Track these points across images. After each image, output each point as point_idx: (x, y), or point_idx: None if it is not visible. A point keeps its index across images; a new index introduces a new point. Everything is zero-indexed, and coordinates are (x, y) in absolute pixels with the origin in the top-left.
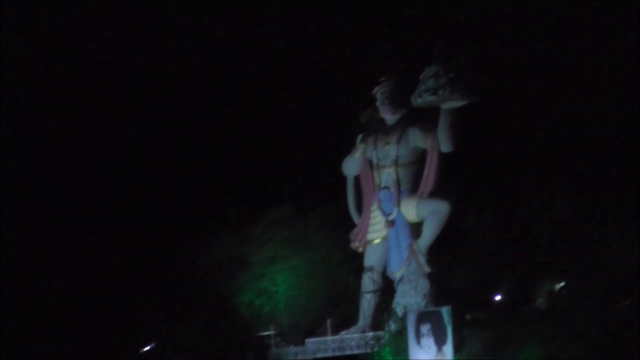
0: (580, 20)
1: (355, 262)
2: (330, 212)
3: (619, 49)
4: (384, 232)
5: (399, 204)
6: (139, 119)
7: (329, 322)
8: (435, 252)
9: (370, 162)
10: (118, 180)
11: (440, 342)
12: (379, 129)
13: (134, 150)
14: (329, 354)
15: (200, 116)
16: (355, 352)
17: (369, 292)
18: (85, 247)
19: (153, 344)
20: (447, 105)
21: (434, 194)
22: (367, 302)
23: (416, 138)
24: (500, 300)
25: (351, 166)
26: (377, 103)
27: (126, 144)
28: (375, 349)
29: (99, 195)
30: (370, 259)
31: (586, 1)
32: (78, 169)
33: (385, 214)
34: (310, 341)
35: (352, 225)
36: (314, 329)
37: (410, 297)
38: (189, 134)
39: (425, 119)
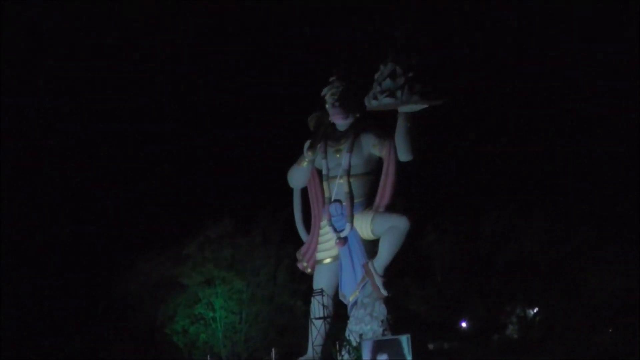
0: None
1: (302, 285)
2: (274, 229)
3: (593, 70)
4: (335, 251)
5: (351, 219)
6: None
7: (273, 352)
8: (393, 273)
9: (319, 172)
10: (39, 197)
11: None
12: (328, 135)
13: (58, 165)
14: None
15: (131, 126)
16: None
17: (319, 318)
18: None
19: None
20: (405, 109)
21: (391, 208)
22: (317, 330)
23: (370, 145)
24: (467, 327)
25: (298, 177)
26: (327, 106)
27: (51, 160)
28: None
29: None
30: (320, 281)
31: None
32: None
33: (337, 231)
34: None
35: (300, 243)
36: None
37: (365, 324)
38: (117, 143)
39: (381, 123)
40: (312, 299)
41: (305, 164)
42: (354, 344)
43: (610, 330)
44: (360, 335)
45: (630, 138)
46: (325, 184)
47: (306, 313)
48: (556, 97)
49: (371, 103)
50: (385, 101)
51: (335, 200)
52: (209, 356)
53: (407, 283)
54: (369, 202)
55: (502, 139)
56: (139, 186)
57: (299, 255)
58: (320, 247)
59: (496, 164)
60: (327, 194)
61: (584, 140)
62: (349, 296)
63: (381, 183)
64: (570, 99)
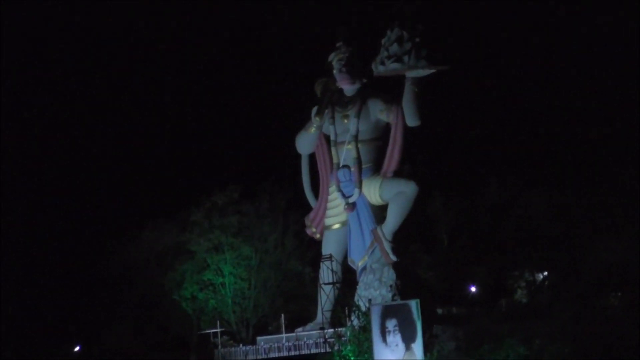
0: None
1: (311, 251)
2: (282, 194)
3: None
4: (343, 217)
5: (360, 184)
6: (69, 106)
7: (282, 318)
8: (402, 239)
9: (327, 138)
10: (46, 167)
11: (408, 339)
12: (336, 100)
13: (63, 136)
14: (284, 353)
15: (135, 97)
16: (313, 351)
17: (328, 284)
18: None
19: (79, 346)
20: (413, 74)
21: (399, 173)
22: (326, 296)
23: (378, 111)
24: (475, 293)
25: (306, 142)
26: (334, 71)
27: (52, 131)
28: (336, 348)
29: (23, 187)
30: (329, 247)
31: None
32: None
33: (345, 196)
34: (262, 339)
35: (308, 208)
36: (266, 326)
37: (375, 289)
38: (122, 114)
39: (389, 89)
40: (321, 264)
41: (313, 129)
42: (363, 309)
43: (620, 294)
44: (369, 301)
45: (631, 114)
46: (333, 149)
47: (314, 279)
48: (561, 72)
49: (378, 68)
50: (393, 66)
51: (344, 166)
52: (218, 322)
53: (415, 249)
54: (376, 168)
55: (507, 112)
56: (145, 155)
57: (307, 221)
58: (328, 212)
59: (502, 135)
60: (335, 160)
61: (587, 113)
62: (358, 261)
63: (389, 148)
64: (574, 74)
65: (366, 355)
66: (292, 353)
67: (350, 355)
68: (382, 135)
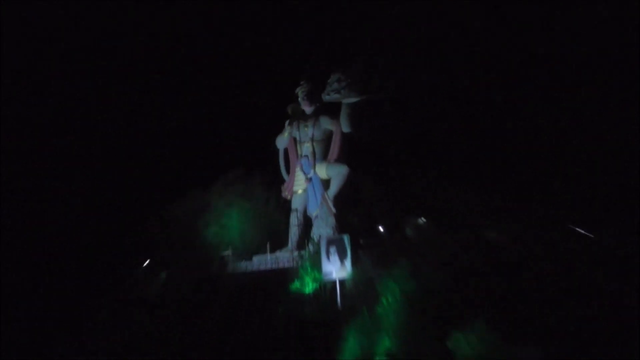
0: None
1: (285, 206)
2: (268, 173)
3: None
4: (304, 186)
5: (314, 167)
6: (88, 90)
7: (268, 244)
8: (339, 199)
9: (294, 139)
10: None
11: (342, 258)
12: (300, 116)
13: (95, 119)
14: (268, 266)
15: (155, 93)
16: (286, 265)
17: (295, 225)
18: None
19: (149, 260)
20: (347, 101)
21: (338, 160)
22: (294, 233)
23: (326, 123)
24: (382, 230)
25: (281, 142)
26: (299, 99)
27: (81, 112)
28: (300, 264)
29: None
30: (296, 204)
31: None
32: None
33: (305, 174)
34: (256, 257)
35: (283, 181)
36: (258, 249)
37: (322, 229)
38: (152, 114)
39: (333, 109)
40: (291, 214)
41: (286, 134)
42: (316, 240)
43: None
44: (320, 236)
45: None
46: (298, 146)
47: (288, 223)
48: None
49: (325, 97)
50: (334, 97)
51: (305, 156)
52: (230, 247)
53: (348, 204)
54: (325, 157)
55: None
56: (149, 158)
57: (282, 189)
58: (295, 183)
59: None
60: (299, 152)
61: (512, 112)
62: (313, 212)
63: (332, 145)
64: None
65: (317, 268)
66: (274, 266)
67: (308, 267)
68: (328, 137)
